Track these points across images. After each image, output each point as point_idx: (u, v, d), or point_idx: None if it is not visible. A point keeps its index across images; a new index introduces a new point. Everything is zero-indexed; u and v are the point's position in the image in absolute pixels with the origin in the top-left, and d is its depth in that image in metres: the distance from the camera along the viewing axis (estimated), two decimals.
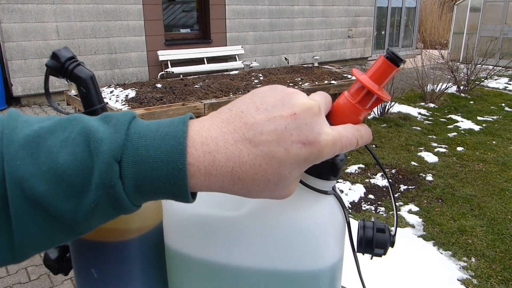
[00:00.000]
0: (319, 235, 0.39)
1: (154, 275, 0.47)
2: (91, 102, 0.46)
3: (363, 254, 0.43)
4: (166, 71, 6.15)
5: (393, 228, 0.44)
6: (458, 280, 2.27)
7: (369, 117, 5.03)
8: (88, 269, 0.45)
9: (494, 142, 4.49)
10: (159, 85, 3.48)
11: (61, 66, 0.45)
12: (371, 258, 0.43)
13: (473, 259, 2.44)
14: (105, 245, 0.44)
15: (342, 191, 3.27)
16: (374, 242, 0.41)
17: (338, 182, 3.41)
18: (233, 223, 0.40)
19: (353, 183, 3.41)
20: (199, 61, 6.73)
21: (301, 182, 0.41)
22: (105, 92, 3.25)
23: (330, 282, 0.42)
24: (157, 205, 0.45)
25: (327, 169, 0.40)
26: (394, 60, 0.36)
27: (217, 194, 0.45)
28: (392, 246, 0.43)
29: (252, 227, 0.39)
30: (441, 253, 2.51)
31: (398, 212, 2.99)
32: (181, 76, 4.20)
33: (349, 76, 4.14)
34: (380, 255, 0.42)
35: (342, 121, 0.37)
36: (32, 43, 5.42)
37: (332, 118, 0.38)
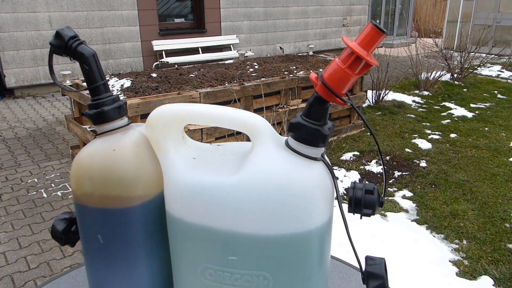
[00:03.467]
0: (309, 197, 0.42)
1: (157, 241, 0.50)
2: (94, 79, 0.49)
3: (354, 214, 0.46)
4: (161, 61, 6.13)
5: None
6: (449, 261, 2.32)
7: (364, 105, 5.06)
8: (95, 235, 0.47)
9: (486, 128, 4.54)
10: (154, 75, 3.49)
11: (64, 44, 0.48)
12: (361, 218, 0.47)
13: (464, 241, 2.50)
14: (110, 212, 0.46)
15: (337, 178, 3.31)
16: (362, 202, 0.45)
17: (334, 168, 3.44)
18: (229, 189, 0.43)
19: (348, 170, 3.45)
20: (193, 51, 6.71)
21: (292, 149, 0.44)
22: None
23: (320, 243, 0.46)
24: (159, 174, 0.47)
25: (316, 137, 0.43)
26: (380, 28, 0.39)
27: (214, 161, 0.48)
28: (381, 207, 0.46)
29: (246, 192, 0.42)
30: (434, 236, 2.57)
31: (392, 198, 3.04)
32: (176, 66, 4.20)
33: None
34: (368, 215, 0.45)
35: (334, 86, 0.40)
36: (25, 34, 5.38)
37: (328, 83, 0.41)
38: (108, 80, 3.30)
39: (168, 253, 0.50)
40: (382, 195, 0.46)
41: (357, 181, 3.25)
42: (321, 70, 0.43)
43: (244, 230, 0.43)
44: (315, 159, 0.44)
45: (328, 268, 0.50)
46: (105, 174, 0.45)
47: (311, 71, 3.81)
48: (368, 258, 0.46)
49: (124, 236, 0.47)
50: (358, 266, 0.52)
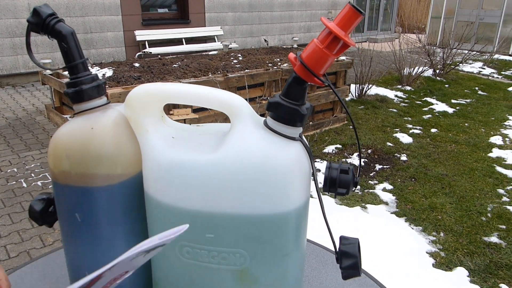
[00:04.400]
0: (286, 175, 0.43)
1: (135, 219, 0.50)
2: (72, 57, 0.48)
3: (328, 193, 0.47)
4: (144, 52, 6.05)
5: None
6: (427, 253, 2.38)
7: (347, 99, 5.11)
8: (72, 214, 0.47)
9: (466, 124, 4.64)
10: (137, 64, 3.44)
11: (42, 22, 0.47)
12: (335, 197, 0.48)
13: (442, 234, 2.56)
14: (87, 190, 0.46)
15: (319, 170, 3.34)
16: (337, 181, 0.45)
17: (316, 161, 3.47)
18: (206, 167, 0.43)
19: (330, 162, 3.49)
20: (177, 41, 6.63)
21: (270, 128, 0.45)
22: None
23: (297, 223, 0.46)
24: (138, 153, 0.47)
25: (294, 116, 0.44)
26: (358, 9, 0.39)
27: (193, 140, 0.48)
28: (355, 186, 0.47)
29: (223, 170, 0.43)
30: (412, 228, 2.62)
31: (372, 190, 3.08)
32: (159, 56, 4.15)
33: None
34: (343, 194, 0.46)
35: (313, 66, 0.41)
36: (3, 22, 5.22)
37: (307, 63, 0.41)
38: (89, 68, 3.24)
39: (147, 231, 0.50)
40: (357, 176, 0.47)
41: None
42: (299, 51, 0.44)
43: (221, 209, 0.44)
44: (293, 138, 0.45)
45: (304, 248, 0.51)
46: (83, 152, 0.45)
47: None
48: (342, 238, 0.48)
49: (102, 214, 0.47)
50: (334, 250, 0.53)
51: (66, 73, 3.22)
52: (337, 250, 0.47)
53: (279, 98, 0.44)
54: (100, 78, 0.50)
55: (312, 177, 0.47)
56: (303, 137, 0.47)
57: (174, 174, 0.44)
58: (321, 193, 0.46)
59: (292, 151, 0.44)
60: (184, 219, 0.45)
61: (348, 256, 0.46)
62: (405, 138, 4.08)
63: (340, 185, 0.46)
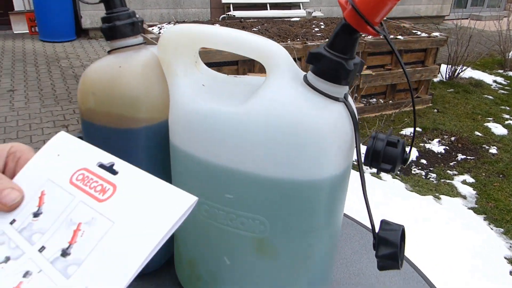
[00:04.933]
0: (321, 141, 0.37)
1: (159, 166, 0.47)
2: None
3: (370, 167, 0.40)
4: (228, 14, 6.08)
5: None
6: (505, 258, 2.15)
7: (435, 80, 4.68)
8: None
9: None
10: (216, 25, 3.46)
11: None
12: (378, 173, 0.40)
13: None
14: (111, 131, 0.45)
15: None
16: (381, 154, 0.38)
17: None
18: (231, 119, 0.39)
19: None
20: (262, 6, 6.54)
21: (310, 85, 0.38)
22: (165, 28, 3.30)
23: (329, 196, 0.40)
24: (165, 98, 0.44)
25: (338, 72, 0.37)
26: None
27: (224, 90, 0.43)
28: (404, 164, 0.39)
29: (249, 124, 0.38)
30: (492, 229, 2.38)
31: (450, 181, 2.83)
32: (241, 19, 4.12)
33: (419, 33, 3.83)
34: (387, 171, 0.39)
35: (367, 11, 0.33)
36: None
37: (359, 7, 0.34)
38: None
39: (170, 179, 0.47)
40: (408, 152, 0.39)
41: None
42: None
43: (243, 167, 0.39)
44: (336, 99, 0.38)
45: (337, 226, 0.45)
46: (108, 90, 0.43)
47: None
48: (383, 222, 0.40)
49: (124, 158, 0.45)
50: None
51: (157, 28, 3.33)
52: (375, 234, 0.40)
53: (322, 49, 0.37)
54: (138, 16, 0.47)
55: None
56: (349, 99, 0.40)
57: (198, 123, 0.40)
58: (362, 166, 0.39)
59: (332, 113, 0.37)
60: (204, 172, 0.42)
61: (387, 244, 0.39)
62: (498, 129, 3.65)
63: (384, 160, 0.38)
